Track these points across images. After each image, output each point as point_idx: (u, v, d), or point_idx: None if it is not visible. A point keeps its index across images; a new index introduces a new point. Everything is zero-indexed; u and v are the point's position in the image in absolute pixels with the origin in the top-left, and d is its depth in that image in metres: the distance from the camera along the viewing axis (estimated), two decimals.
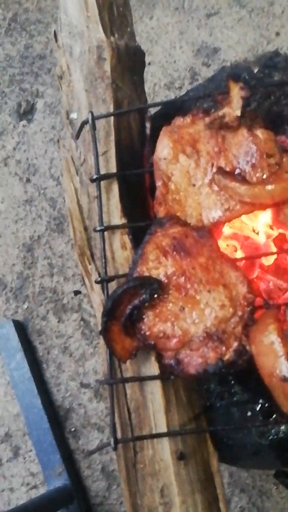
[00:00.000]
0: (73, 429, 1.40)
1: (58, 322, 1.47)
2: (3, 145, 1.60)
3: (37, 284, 1.50)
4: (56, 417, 1.40)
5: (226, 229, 0.97)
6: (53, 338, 1.46)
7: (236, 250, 1.00)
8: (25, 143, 1.60)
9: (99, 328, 0.82)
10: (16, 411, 1.43)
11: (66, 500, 1.29)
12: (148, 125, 0.88)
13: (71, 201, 0.88)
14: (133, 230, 0.82)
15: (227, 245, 1.00)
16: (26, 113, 1.62)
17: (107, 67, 0.85)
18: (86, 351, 1.44)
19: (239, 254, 0.98)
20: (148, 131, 0.88)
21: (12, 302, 1.50)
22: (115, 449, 0.74)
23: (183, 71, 1.56)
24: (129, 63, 0.88)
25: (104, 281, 0.79)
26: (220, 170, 0.74)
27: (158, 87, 1.55)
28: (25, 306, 1.49)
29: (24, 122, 1.61)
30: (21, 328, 1.45)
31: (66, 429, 1.40)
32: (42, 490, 1.38)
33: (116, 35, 0.89)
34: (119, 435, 0.78)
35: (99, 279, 0.80)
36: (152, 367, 0.77)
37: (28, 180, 1.57)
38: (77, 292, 1.48)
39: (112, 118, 0.83)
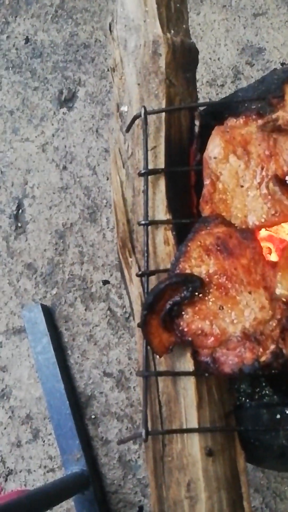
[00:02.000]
0: (93, 417, 1.42)
1: (85, 310, 1.48)
2: (42, 131, 1.62)
3: (66, 271, 1.52)
4: (77, 403, 1.42)
5: (262, 231, 0.98)
6: (79, 325, 1.48)
7: (270, 253, 1.00)
8: (64, 131, 1.61)
9: (136, 321, 0.84)
10: (39, 394, 1.45)
11: (82, 485, 1.31)
12: (197, 123, 0.88)
13: (116, 193, 0.89)
14: (176, 227, 0.82)
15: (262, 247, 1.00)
16: (67, 100, 1.63)
17: (162, 62, 0.85)
18: (111, 340, 1.45)
19: (274, 257, 0.98)
20: (197, 129, 0.88)
21: (41, 287, 1.51)
22: (145, 440, 0.75)
23: (226, 69, 1.56)
24: (183, 60, 0.89)
25: (145, 275, 0.80)
26: (274, 177, 0.75)
27: (200, 83, 1.55)
28: (54, 292, 1.51)
29: (64, 109, 1.63)
30: (48, 313, 1.47)
31: (86, 415, 1.42)
32: (59, 474, 1.41)
33: (172, 31, 0.89)
34: (149, 427, 0.79)
35: (140, 272, 0.81)
36: (187, 363, 0.78)
37: (64, 168, 1.58)
38: (105, 282, 1.49)
39: (163, 114, 0.84)
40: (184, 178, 0.86)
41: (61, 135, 1.61)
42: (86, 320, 1.48)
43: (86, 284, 1.50)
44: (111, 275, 1.49)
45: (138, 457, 1.38)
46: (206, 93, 1.55)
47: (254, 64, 1.56)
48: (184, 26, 0.93)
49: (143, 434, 0.75)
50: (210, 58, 1.57)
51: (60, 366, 1.41)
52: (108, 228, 1.51)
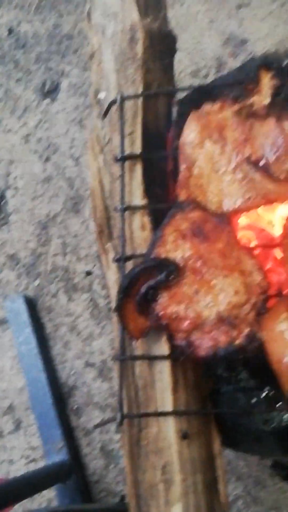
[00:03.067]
0: (75, 407, 1.42)
1: (68, 300, 1.48)
2: (25, 122, 1.61)
3: (49, 262, 1.52)
4: (59, 393, 1.42)
5: (242, 220, 0.98)
6: (62, 316, 1.48)
7: (250, 241, 1.01)
8: (47, 122, 1.61)
9: (112, 306, 0.84)
10: (21, 385, 1.45)
11: (64, 475, 1.31)
12: (175, 109, 0.88)
13: (94, 179, 0.89)
14: (153, 212, 0.83)
15: (242, 236, 1.00)
16: (50, 91, 1.63)
17: (139, 48, 0.85)
18: (93, 331, 1.45)
19: (254, 245, 0.98)
20: (174, 115, 0.88)
21: (24, 278, 1.51)
22: (120, 423, 0.76)
23: (210, 60, 1.56)
24: (161, 47, 0.89)
25: (121, 260, 0.80)
26: (250, 161, 0.75)
27: (184, 74, 1.55)
28: (37, 283, 1.51)
29: (47, 100, 1.62)
30: (31, 304, 1.47)
31: (68, 406, 1.42)
32: (41, 464, 1.41)
33: (150, 18, 0.89)
34: (125, 412, 0.79)
35: (117, 257, 0.81)
36: (162, 347, 0.78)
37: (47, 159, 1.58)
38: (88, 273, 1.49)
39: (140, 99, 0.84)
40: (161, 164, 0.86)
41: (44, 126, 1.61)
42: (69, 311, 1.48)
43: (69, 275, 1.50)
44: (94, 265, 1.49)
45: (121, 447, 1.38)
46: (189, 84, 1.54)
47: (238, 55, 1.56)
48: (161, 13, 0.93)
49: (118, 417, 0.75)
50: (194, 49, 1.57)
51: (42, 357, 1.41)
52: (91, 219, 1.51)
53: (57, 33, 1.66)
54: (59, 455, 1.34)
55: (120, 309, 0.75)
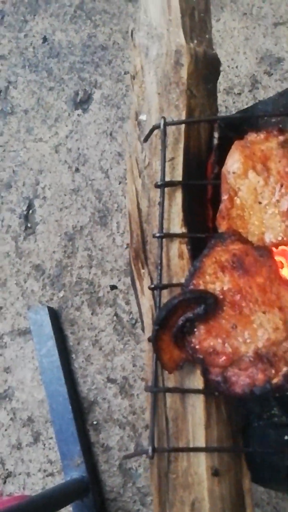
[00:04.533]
0: (95, 422, 1.41)
1: (92, 314, 1.47)
2: (56, 132, 1.61)
3: (74, 274, 1.51)
4: (79, 408, 1.41)
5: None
6: (85, 329, 1.46)
7: (282, 267, 0.99)
8: (78, 133, 1.60)
9: (146, 334, 0.83)
10: (41, 397, 1.44)
11: (82, 492, 1.30)
12: (216, 135, 0.87)
13: (131, 203, 0.88)
14: (191, 241, 0.81)
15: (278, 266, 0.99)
16: (82, 102, 1.62)
17: (183, 73, 0.84)
18: (116, 346, 1.44)
19: (286, 271, 0.96)
20: (215, 141, 0.87)
21: (49, 289, 1.50)
22: (151, 458, 0.74)
23: (244, 78, 1.55)
24: (205, 71, 0.87)
25: (157, 288, 0.79)
26: None
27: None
28: (61, 294, 1.50)
29: (79, 111, 1.61)
30: (54, 316, 1.46)
31: (88, 421, 1.41)
32: (58, 478, 1.40)
33: (195, 41, 0.88)
34: (155, 443, 0.78)
35: (152, 285, 0.80)
36: (196, 381, 0.77)
37: (77, 170, 1.57)
38: (113, 287, 1.48)
39: (183, 125, 0.83)
40: (200, 192, 0.85)
41: (74, 136, 1.60)
42: (92, 325, 1.47)
43: (94, 288, 1.49)
44: (119, 280, 1.48)
45: (139, 466, 1.37)
46: (222, 101, 1.53)
47: (272, 74, 1.54)
48: (207, 36, 0.91)
49: (150, 451, 0.74)
50: (228, 66, 1.56)
51: (64, 370, 1.40)
52: (118, 232, 1.50)
53: (92, 43, 1.66)
54: (77, 471, 1.32)
55: (155, 340, 0.74)
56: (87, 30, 1.67)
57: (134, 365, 1.42)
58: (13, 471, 1.42)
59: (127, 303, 1.46)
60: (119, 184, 1.54)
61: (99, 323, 1.46)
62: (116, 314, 1.46)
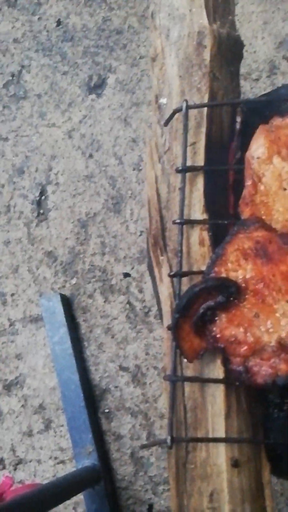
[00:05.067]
0: (106, 411, 1.40)
1: (104, 302, 1.46)
2: (69, 117, 1.59)
3: (87, 261, 1.49)
4: (91, 396, 1.40)
5: None
6: (98, 317, 1.45)
7: None
8: (92, 118, 1.58)
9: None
10: (52, 385, 1.43)
11: (94, 480, 1.29)
12: (239, 119, 0.85)
13: (151, 188, 0.86)
14: (212, 228, 0.79)
15: None
16: (96, 87, 1.60)
17: (206, 55, 0.82)
18: (128, 334, 1.43)
19: None
20: (238, 125, 0.84)
21: (61, 276, 1.49)
22: (170, 447, 0.73)
23: (262, 63, 1.52)
24: (228, 54, 0.85)
25: (178, 275, 0.77)
26: None
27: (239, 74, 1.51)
28: (73, 281, 1.48)
29: (93, 96, 1.59)
30: (67, 303, 1.45)
31: (99, 409, 1.40)
32: (69, 466, 1.39)
33: (218, 23, 0.85)
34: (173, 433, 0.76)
35: (172, 272, 0.78)
36: (216, 370, 0.75)
37: (90, 156, 1.55)
38: (126, 275, 1.46)
39: (205, 109, 0.80)
40: (222, 177, 0.83)
41: (88, 122, 1.58)
42: (105, 312, 1.45)
43: (107, 275, 1.47)
44: (133, 268, 1.46)
45: (151, 455, 1.36)
46: (241, 86, 1.50)
47: None
48: (230, 17, 0.89)
49: (169, 440, 0.72)
50: (246, 51, 1.52)
51: (76, 358, 1.39)
52: (132, 220, 1.48)
53: (106, 27, 1.63)
54: (89, 459, 1.32)
55: (176, 328, 0.72)
56: (102, 13, 1.64)
57: (147, 354, 1.41)
58: (24, 458, 1.42)
59: (140, 291, 1.45)
60: (133, 170, 1.52)
61: (111, 311, 1.45)
62: (129, 302, 1.45)
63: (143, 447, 0.75)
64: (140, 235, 1.48)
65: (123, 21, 1.63)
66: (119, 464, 1.37)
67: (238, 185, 0.81)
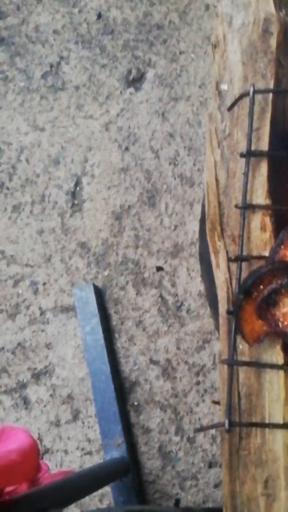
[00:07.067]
0: (135, 403, 1.39)
1: (136, 294, 1.45)
2: (107, 110, 1.59)
3: (120, 253, 1.49)
4: (121, 388, 1.40)
5: None
6: (129, 309, 1.45)
7: None
8: (129, 111, 1.58)
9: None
10: (82, 375, 1.43)
11: (122, 472, 1.28)
12: None
13: (210, 174, 0.85)
14: (274, 213, 0.79)
15: None
16: (134, 80, 1.60)
17: (272, 42, 0.82)
18: (160, 328, 1.42)
19: None
20: None
21: (94, 267, 1.49)
22: (228, 431, 0.72)
23: None
24: None
25: (239, 259, 0.77)
26: None
27: None
28: (106, 273, 1.48)
29: (131, 89, 1.59)
30: (99, 294, 1.45)
31: (129, 402, 1.40)
32: (96, 457, 1.38)
33: (284, 11, 0.85)
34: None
35: (233, 257, 0.78)
36: (275, 356, 0.75)
37: (126, 149, 1.55)
38: (159, 268, 1.46)
39: (270, 94, 0.80)
40: (283, 164, 0.82)
41: (126, 115, 1.58)
42: (136, 305, 1.45)
43: (139, 268, 1.47)
44: (166, 262, 1.46)
45: (179, 449, 1.35)
46: None
47: None
48: None
49: (227, 424, 0.72)
50: None
51: (107, 349, 1.38)
52: (166, 214, 1.48)
53: (147, 21, 1.63)
54: (118, 451, 1.31)
55: (239, 310, 0.72)
56: (143, 8, 1.64)
57: (178, 348, 1.40)
58: (51, 448, 1.41)
59: (173, 285, 1.44)
60: (169, 165, 1.52)
61: (143, 304, 1.45)
62: (161, 296, 1.44)
63: (199, 430, 0.74)
64: (174, 229, 1.47)
65: (163, 16, 1.63)
66: (146, 457, 1.36)
67: None
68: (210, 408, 1.35)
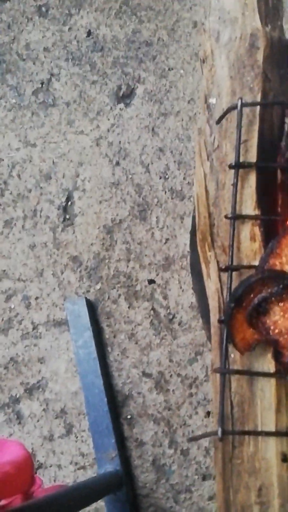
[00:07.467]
0: (129, 416, 1.39)
1: (129, 308, 1.46)
2: (97, 125, 1.60)
3: (112, 267, 1.50)
4: (114, 401, 1.39)
5: None
6: (122, 323, 1.45)
7: None
8: (120, 126, 1.60)
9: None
10: (74, 389, 1.43)
11: (116, 486, 1.28)
12: (287, 120, 0.86)
13: (199, 185, 0.87)
14: (263, 224, 0.80)
15: None
16: (124, 96, 1.62)
17: (259, 56, 0.84)
18: (152, 341, 1.43)
19: None
20: (287, 126, 0.86)
21: (86, 281, 1.49)
22: (221, 440, 0.73)
23: None
24: (279, 57, 0.87)
25: (229, 269, 0.78)
26: None
27: None
28: (98, 287, 1.49)
29: (121, 105, 1.61)
30: (91, 308, 1.45)
31: (122, 415, 1.39)
32: (89, 472, 1.38)
33: (270, 26, 0.87)
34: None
35: (223, 266, 0.79)
36: (266, 364, 0.76)
37: (117, 163, 1.57)
38: (151, 281, 1.47)
39: (258, 107, 0.82)
40: (271, 175, 0.84)
41: (116, 130, 1.59)
42: (129, 318, 1.45)
43: (131, 281, 1.48)
44: (157, 274, 1.47)
45: (172, 462, 1.35)
46: None
47: None
48: (279, 22, 0.91)
49: (219, 433, 0.72)
50: None
51: (100, 362, 1.38)
52: (157, 227, 1.49)
53: (136, 39, 1.66)
54: (111, 464, 1.31)
55: (230, 318, 0.73)
56: (132, 25, 1.67)
57: (170, 360, 1.41)
58: (44, 462, 1.40)
59: (165, 297, 1.45)
60: (160, 179, 1.53)
61: (135, 317, 1.45)
62: (153, 309, 1.45)
63: (192, 439, 0.74)
64: (165, 242, 1.49)
65: (152, 33, 1.65)
66: (140, 471, 1.36)
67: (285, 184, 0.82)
68: (203, 420, 1.35)
